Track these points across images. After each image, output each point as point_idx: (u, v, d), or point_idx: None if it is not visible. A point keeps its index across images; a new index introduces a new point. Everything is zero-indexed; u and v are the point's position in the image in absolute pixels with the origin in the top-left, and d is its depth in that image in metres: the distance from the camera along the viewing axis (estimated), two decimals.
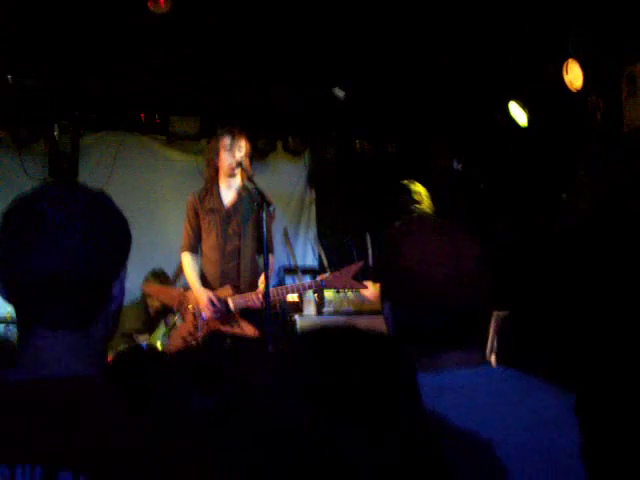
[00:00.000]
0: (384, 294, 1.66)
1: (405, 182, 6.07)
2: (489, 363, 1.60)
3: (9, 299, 1.33)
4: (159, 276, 6.76)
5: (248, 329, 4.85)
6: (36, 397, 1.21)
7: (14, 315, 1.36)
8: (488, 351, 1.74)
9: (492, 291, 1.58)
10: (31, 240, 1.27)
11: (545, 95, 6.19)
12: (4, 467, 1.14)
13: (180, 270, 5.31)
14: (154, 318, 6.73)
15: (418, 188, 6.03)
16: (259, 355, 4.58)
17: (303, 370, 1.14)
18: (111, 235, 1.35)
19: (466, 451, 1.34)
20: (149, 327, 6.69)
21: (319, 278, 5.30)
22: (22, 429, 1.17)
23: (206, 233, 5.02)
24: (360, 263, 5.47)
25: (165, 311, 6.48)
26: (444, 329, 1.53)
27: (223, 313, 4.85)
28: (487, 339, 1.64)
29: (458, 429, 1.36)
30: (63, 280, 1.27)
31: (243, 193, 5.05)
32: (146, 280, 6.56)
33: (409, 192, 5.99)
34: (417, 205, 5.94)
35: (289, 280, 8.02)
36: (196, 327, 4.91)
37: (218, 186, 5.06)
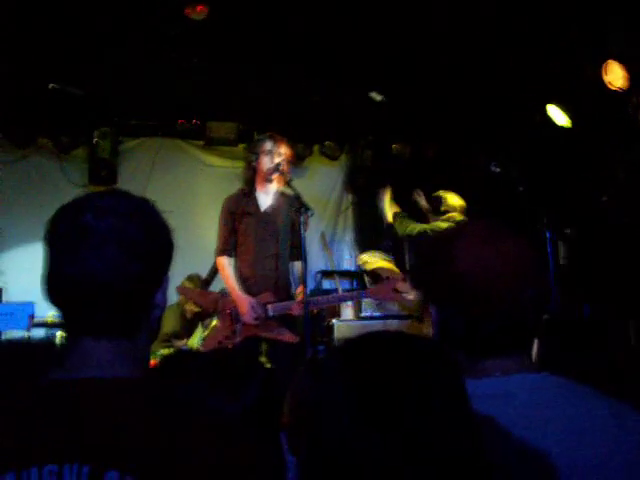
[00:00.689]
0: (429, 297, 1.64)
1: (440, 193, 6.05)
2: (534, 370, 1.57)
3: (54, 305, 1.35)
4: (194, 280, 6.80)
5: (286, 335, 4.85)
6: (81, 396, 1.23)
7: (56, 318, 1.38)
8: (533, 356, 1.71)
9: (542, 296, 1.55)
10: (74, 250, 1.29)
11: (584, 96, 6.12)
12: (53, 466, 1.15)
13: (214, 272, 5.31)
14: (191, 322, 6.77)
15: (451, 200, 5.98)
16: (295, 360, 4.60)
17: (342, 378, 1.13)
18: (154, 245, 1.36)
19: (515, 458, 1.33)
20: (186, 331, 6.72)
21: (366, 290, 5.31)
22: (69, 428, 1.18)
23: (243, 236, 5.01)
24: (401, 276, 5.47)
25: (202, 315, 6.52)
26: (491, 334, 1.51)
27: (262, 319, 4.85)
28: (534, 345, 1.61)
29: (506, 436, 1.35)
30: (106, 290, 1.29)
31: (280, 198, 5.05)
32: (182, 285, 6.61)
33: (440, 203, 5.97)
34: (448, 215, 5.89)
35: (327, 284, 8.03)
36: (234, 331, 4.91)
37: (255, 190, 5.06)
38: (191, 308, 6.74)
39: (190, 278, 6.80)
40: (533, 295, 1.53)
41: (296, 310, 4.76)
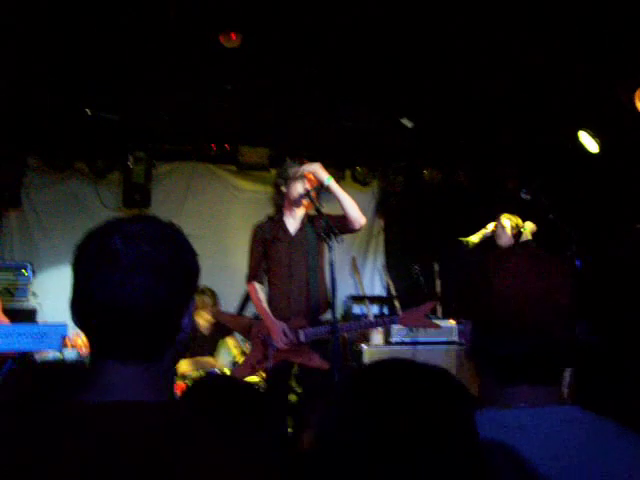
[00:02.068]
0: (467, 314, 1.64)
1: (501, 216, 6.13)
2: (563, 403, 1.55)
3: (81, 329, 1.38)
4: (206, 293, 6.64)
5: (316, 360, 4.86)
6: (110, 420, 1.24)
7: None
8: (563, 386, 1.69)
9: (576, 330, 1.54)
10: (103, 275, 1.31)
11: (617, 123, 6.09)
12: None
13: (247, 299, 5.33)
14: (209, 338, 6.65)
15: (505, 220, 6.07)
16: (322, 387, 4.62)
17: (357, 406, 1.15)
18: (181, 270, 1.38)
19: None
20: (209, 349, 6.62)
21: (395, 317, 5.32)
22: (98, 451, 1.19)
23: (274, 262, 5.06)
24: (432, 303, 5.48)
25: (220, 332, 6.49)
26: (520, 361, 1.51)
27: (294, 344, 4.87)
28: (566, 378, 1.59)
29: (525, 467, 1.34)
30: (133, 314, 1.31)
31: (307, 222, 5.08)
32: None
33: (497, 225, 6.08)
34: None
35: (356, 309, 8.03)
36: (266, 356, 4.93)
37: (283, 216, 5.11)
38: (206, 319, 6.59)
39: (202, 291, 6.56)
40: (567, 328, 1.52)
41: (325, 335, 4.79)
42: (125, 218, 1.40)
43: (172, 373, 1.40)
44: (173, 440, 1.23)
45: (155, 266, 1.33)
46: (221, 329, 6.46)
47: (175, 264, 1.36)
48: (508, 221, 6.09)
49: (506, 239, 6.03)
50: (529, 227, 6.01)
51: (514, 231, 6.02)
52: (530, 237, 5.96)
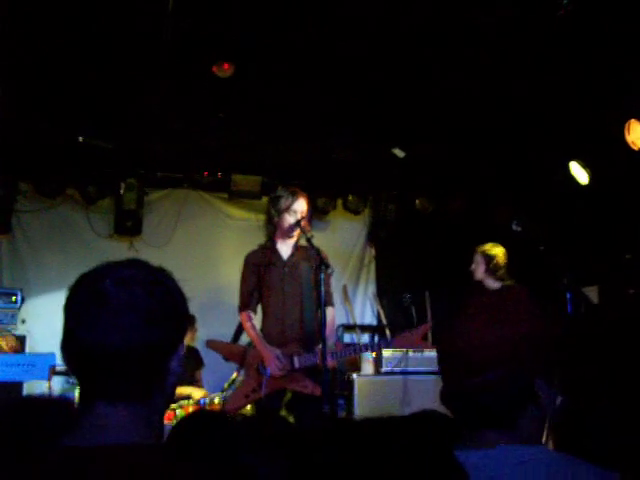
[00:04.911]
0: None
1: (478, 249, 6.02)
2: (526, 444, 1.56)
3: (71, 369, 1.38)
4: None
5: (309, 387, 4.86)
6: (97, 465, 1.23)
7: None
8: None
9: (534, 383, 1.56)
10: (93, 318, 1.32)
11: (607, 155, 6.14)
12: None
13: (241, 328, 5.31)
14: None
15: (478, 257, 5.98)
16: (316, 414, 4.58)
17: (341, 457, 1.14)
18: (170, 314, 1.39)
19: None
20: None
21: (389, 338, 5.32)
22: None
23: (267, 290, 5.07)
24: (429, 324, 5.46)
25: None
26: (482, 406, 1.52)
27: (288, 370, 4.87)
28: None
29: None
30: (123, 357, 1.32)
31: (299, 248, 5.11)
32: None
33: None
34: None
35: (347, 338, 8.01)
36: (260, 384, 4.90)
37: (276, 244, 5.13)
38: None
39: None
40: (525, 380, 1.53)
41: (319, 361, 4.77)
42: (117, 262, 1.42)
43: (161, 415, 1.40)
44: None
45: (145, 309, 1.34)
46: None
47: (165, 309, 1.37)
48: (481, 257, 5.97)
49: (480, 275, 5.98)
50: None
51: (490, 264, 5.91)
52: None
